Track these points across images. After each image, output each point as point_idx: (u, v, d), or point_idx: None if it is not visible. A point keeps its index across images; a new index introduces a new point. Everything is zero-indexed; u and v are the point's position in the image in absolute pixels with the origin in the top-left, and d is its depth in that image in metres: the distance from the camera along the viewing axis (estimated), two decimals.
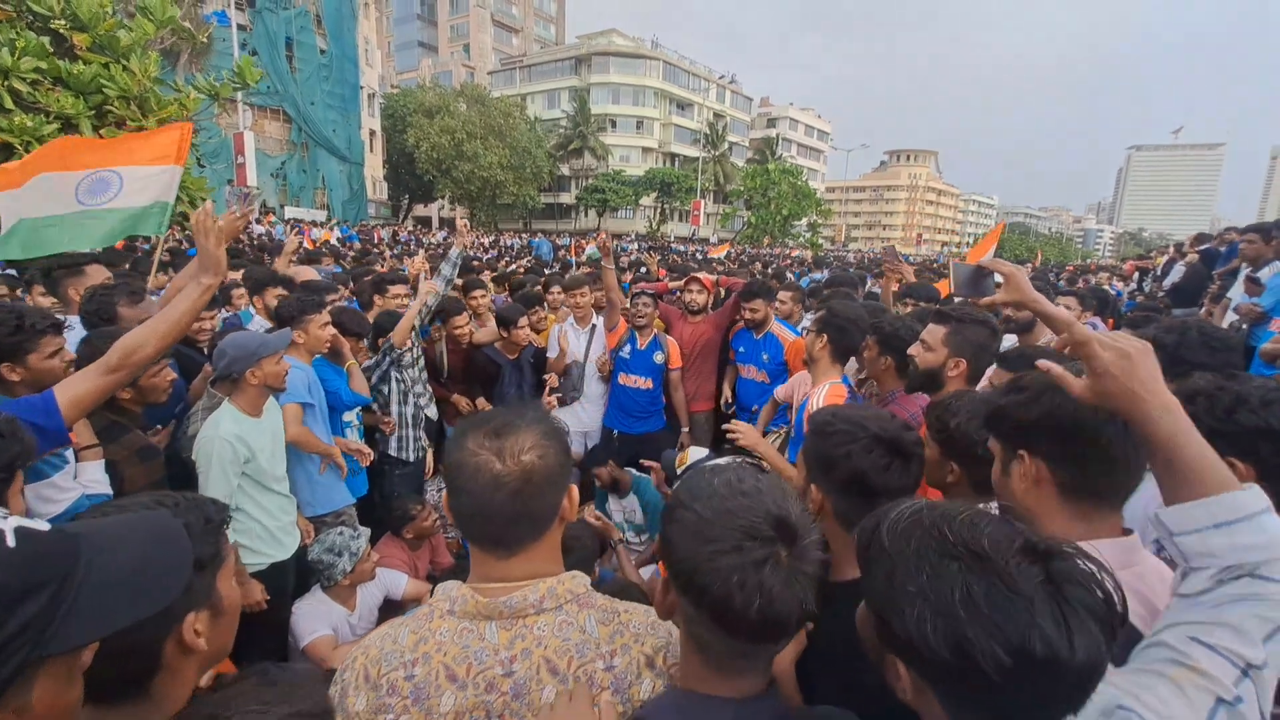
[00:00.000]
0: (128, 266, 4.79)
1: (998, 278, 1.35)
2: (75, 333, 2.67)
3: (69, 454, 1.85)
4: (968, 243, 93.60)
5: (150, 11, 5.29)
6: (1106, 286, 9.13)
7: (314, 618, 2.48)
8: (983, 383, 2.02)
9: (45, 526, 0.63)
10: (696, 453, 2.19)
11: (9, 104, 4.02)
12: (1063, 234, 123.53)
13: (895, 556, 0.73)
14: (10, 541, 0.58)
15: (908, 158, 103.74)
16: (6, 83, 3.98)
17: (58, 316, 1.99)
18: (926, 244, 74.01)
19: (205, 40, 17.16)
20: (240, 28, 24.97)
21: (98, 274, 3.14)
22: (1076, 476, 1.03)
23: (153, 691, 0.83)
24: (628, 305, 4.31)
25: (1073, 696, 0.66)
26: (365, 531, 2.69)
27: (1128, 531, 1.07)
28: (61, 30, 4.72)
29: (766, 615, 0.79)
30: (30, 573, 0.58)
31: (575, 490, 1.02)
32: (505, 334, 4.20)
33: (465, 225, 4.37)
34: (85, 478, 1.82)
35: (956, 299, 1.54)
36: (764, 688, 0.91)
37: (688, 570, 0.83)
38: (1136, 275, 10.22)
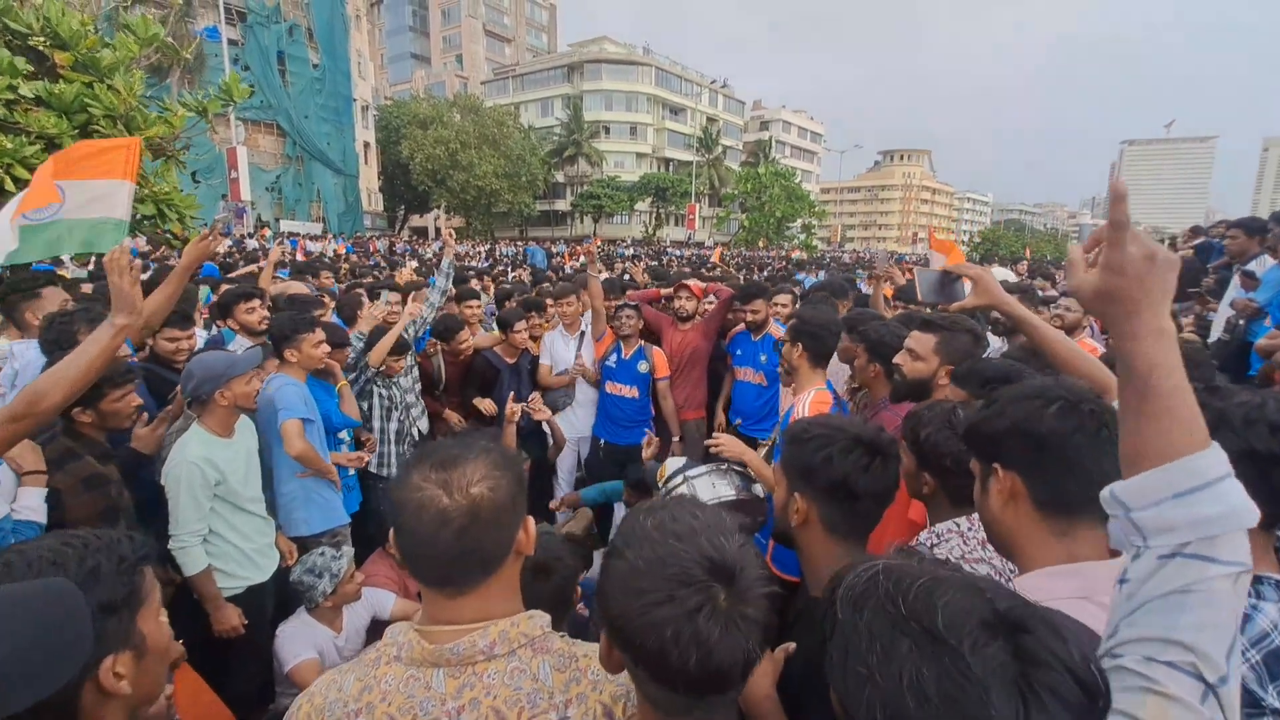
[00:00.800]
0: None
1: (967, 286, 1.33)
2: (34, 358, 2.63)
3: (4, 470, 1.82)
4: (963, 241, 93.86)
5: (133, 29, 5.27)
6: None
7: (298, 640, 2.43)
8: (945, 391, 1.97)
9: None
10: (674, 463, 2.15)
11: None
12: (1058, 230, 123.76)
13: (847, 630, 0.66)
14: None
15: (901, 157, 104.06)
16: None
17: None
18: (922, 243, 74.17)
19: (190, 57, 17.13)
20: (232, 43, 25.08)
21: (54, 297, 3.04)
22: (1051, 488, 1.00)
23: None
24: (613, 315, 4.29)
25: None
26: (348, 551, 2.62)
27: (1116, 552, 1.04)
28: (42, 48, 4.68)
29: (706, 667, 0.73)
30: None
31: (531, 522, 0.97)
32: (504, 337, 4.20)
33: (450, 234, 4.40)
34: (22, 503, 1.78)
35: (925, 306, 1.53)
36: None
37: (621, 625, 0.77)
38: None
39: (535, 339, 4.54)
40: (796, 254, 31.65)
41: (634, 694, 0.91)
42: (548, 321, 4.70)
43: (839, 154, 66.62)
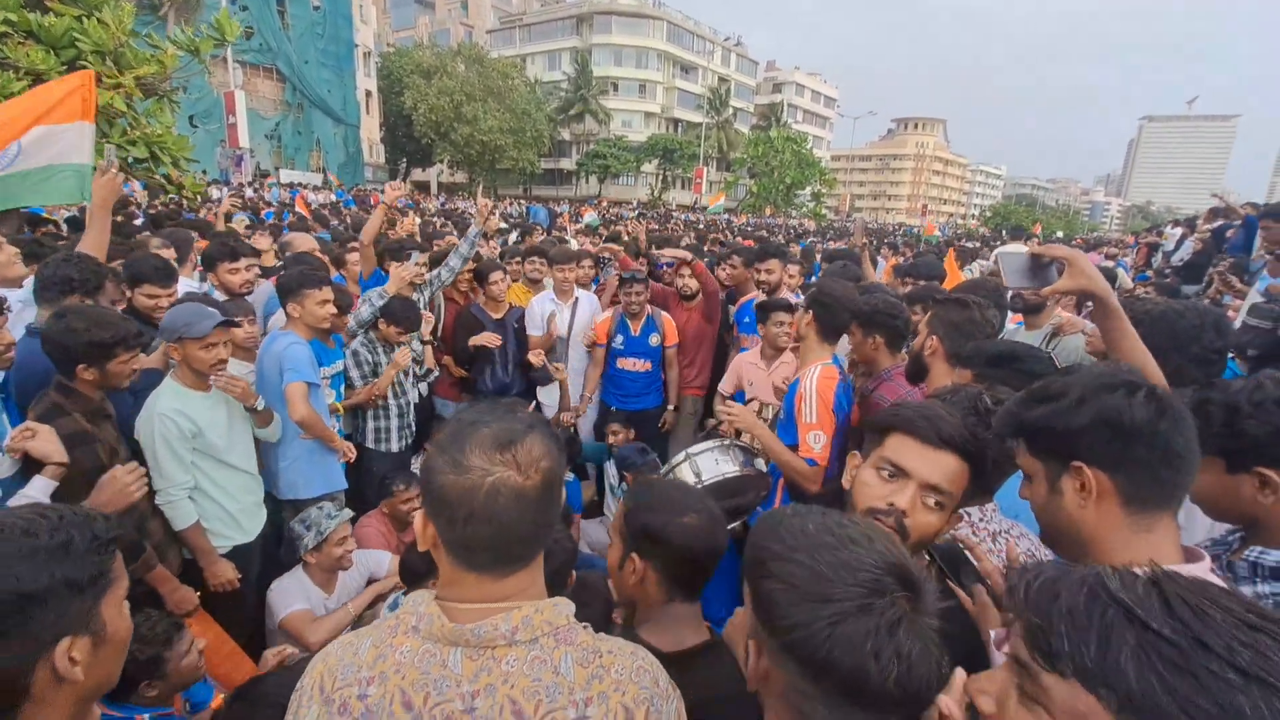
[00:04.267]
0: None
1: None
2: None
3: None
4: (973, 214, 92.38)
5: None
6: (1110, 264, 8.98)
7: (290, 593, 2.41)
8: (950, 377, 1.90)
9: None
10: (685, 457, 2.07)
11: None
12: (1070, 206, 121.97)
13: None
14: None
15: (916, 126, 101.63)
16: None
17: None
18: (931, 215, 73.26)
19: None
20: None
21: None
22: (1140, 481, 0.94)
23: None
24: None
25: None
26: (345, 514, 2.56)
27: (1189, 550, 0.99)
28: None
29: (905, 686, 0.67)
30: None
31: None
32: (481, 290, 4.15)
33: (487, 205, 4.21)
34: (29, 489, 1.67)
35: (1010, 291, 1.48)
36: None
37: (804, 640, 0.70)
38: (1146, 253, 10.07)
39: (535, 281, 4.56)
40: (810, 224, 31.21)
41: (658, 701, 0.86)
42: (527, 284, 4.60)
43: (852, 120, 65.04)
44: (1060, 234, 29.66)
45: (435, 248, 4.95)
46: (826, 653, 0.69)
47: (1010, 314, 3.46)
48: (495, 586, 0.87)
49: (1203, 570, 0.94)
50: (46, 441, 1.72)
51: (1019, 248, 2.32)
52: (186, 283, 3.53)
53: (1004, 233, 13.89)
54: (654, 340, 3.99)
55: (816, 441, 2.09)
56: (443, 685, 0.83)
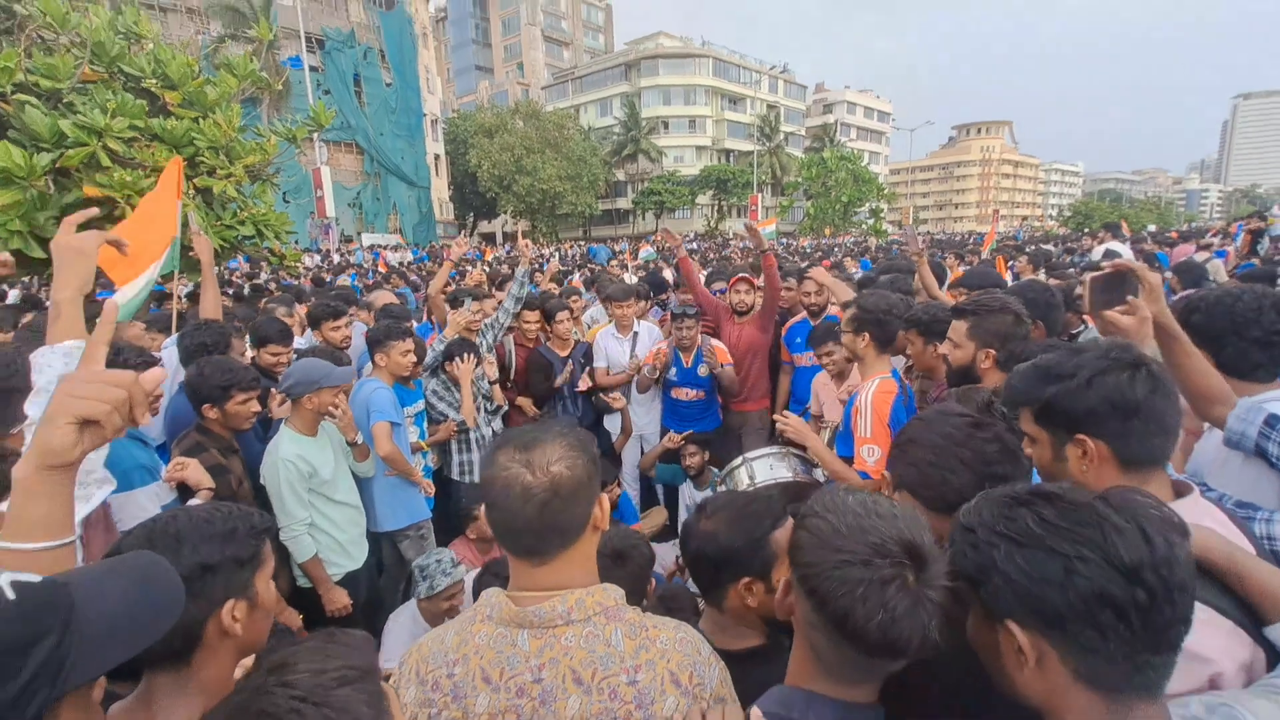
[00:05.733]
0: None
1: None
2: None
3: (161, 472, 2.10)
4: (1051, 215, 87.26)
5: (234, 68, 5.79)
6: (1205, 255, 8.32)
7: (400, 640, 2.51)
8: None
9: (36, 578, 0.68)
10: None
11: (106, 161, 4.43)
12: (1161, 198, 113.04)
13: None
14: (9, 594, 0.63)
15: (978, 130, 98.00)
16: (102, 142, 4.38)
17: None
18: (1005, 220, 69.71)
19: (280, 88, 18.54)
20: (312, 69, 26.82)
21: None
22: (1136, 448, 1.08)
23: (193, 663, 0.98)
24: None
25: None
26: (461, 571, 2.62)
27: (1179, 485, 1.12)
28: (153, 89, 5.21)
29: (887, 634, 0.81)
30: (35, 622, 0.63)
31: (605, 499, 1.07)
32: (549, 329, 4.36)
33: (527, 243, 4.46)
34: None
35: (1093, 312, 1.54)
36: (874, 699, 0.93)
37: (813, 576, 0.86)
38: (1250, 240, 9.22)
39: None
40: (872, 241, 30.48)
41: (701, 666, 0.98)
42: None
43: (909, 132, 63.40)
44: (1151, 228, 27.53)
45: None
46: (827, 590, 0.84)
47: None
48: (538, 573, 1.01)
49: (1192, 501, 1.07)
50: (196, 472, 2.09)
51: (1119, 248, 2.28)
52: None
53: (1100, 236, 12.95)
54: (703, 370, 4.06)
55: (871, 455, 2.15)
56: (514, 661, 0.98)
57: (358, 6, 31.94)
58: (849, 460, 2.20)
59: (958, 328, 1.98)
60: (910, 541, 0.84)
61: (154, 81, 5.42)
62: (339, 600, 2.61)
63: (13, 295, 7.84)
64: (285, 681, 0.80)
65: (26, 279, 9.25)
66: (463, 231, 43.29)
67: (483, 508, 3.29)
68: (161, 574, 0.80)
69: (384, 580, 3.21)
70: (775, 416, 2.22)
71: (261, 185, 6.44)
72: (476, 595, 2.36)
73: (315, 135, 7.15)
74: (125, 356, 2.23)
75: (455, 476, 3.73)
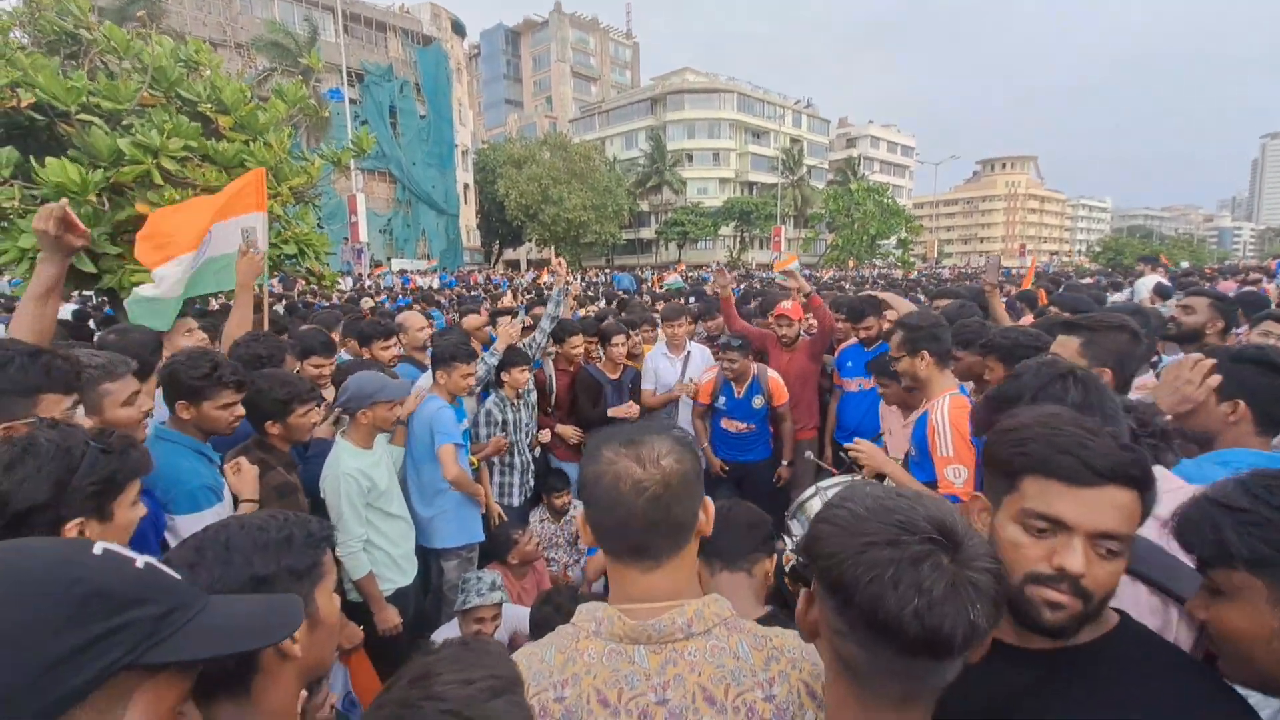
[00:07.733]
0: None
1: None
2: None
3: (226, 493, 2.03)
4: (1079, 250, 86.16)
5: (284, 94, 5.99)
6: (1255, 288, 8.05)
7: None
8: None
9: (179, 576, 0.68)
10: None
11: (159, 180, 4.57)
12: (1193, 235, 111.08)
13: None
14: (139, 564, 0.63)
15: (1003, 165, 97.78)
16: (156, 161, 4.52)
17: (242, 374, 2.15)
18: (1030, 255, 68.92)
19: (328, 115, 19.27)
20: (351, 101, 27.83)
21: (181, 327, 3.22)
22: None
23: (252, 691, 0.88)
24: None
25: None
26: (498, 596, 2.60)
27: None
28: (208, 113, 5.39)
29: (925, 621, 0.67)
30: (146, 589, 0.61)
31: (710, 503, 0.98)
32: (602, 351, 4.28)
33: (562, 263, 4.48)
34: None
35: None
36: None
37: (835, 566, 0.74)
38: None
39: (634, 357, 4.58)
40: (898, 273, 30.28)
41: (821, 673, 0.87)
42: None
43: (933, 166, 63.55)
44: (1184, 264, 26.94)
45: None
46: (853, 578, 0.71)
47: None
48: (646, 581, 0.92)
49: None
50: (244, 480, 2.01)
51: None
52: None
53: (1131, 272, 12.73)
54: (757, 402, 3.95)
55: (957, 476, 2.00)
56: (633, 680, 0.88)
57: (396, 43, 33.25)
58: (931, 486, 2.06)
59: (1067, 344, 1.83)
60: (940, 519, 0.73)
61: (209, 106, 5.62)
62: (391, 619, 2.52)
63: (65, 310, 8.03)
64: (433, 694, 0.73)
65: (78, 293, 9.52)
66: (492, 258, 44.12)
67: (524, 532, 3.22)
68: (288, 604, 0.77)
69: (430, 602, 3.12)
70: (848, 446, 2.10)
71: (304, 207, 6.59)
72: (535, 627, 2.30)
73: (352, 164, 7.31)
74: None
75: (496, 499, 3.65)
